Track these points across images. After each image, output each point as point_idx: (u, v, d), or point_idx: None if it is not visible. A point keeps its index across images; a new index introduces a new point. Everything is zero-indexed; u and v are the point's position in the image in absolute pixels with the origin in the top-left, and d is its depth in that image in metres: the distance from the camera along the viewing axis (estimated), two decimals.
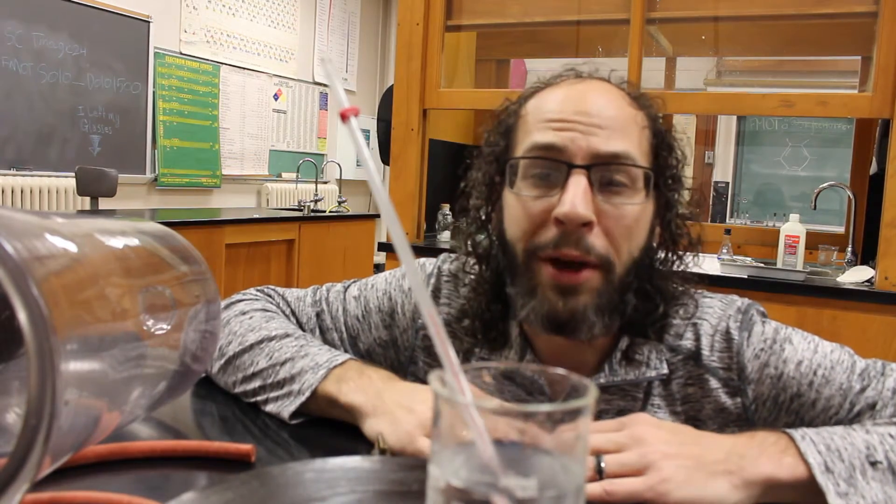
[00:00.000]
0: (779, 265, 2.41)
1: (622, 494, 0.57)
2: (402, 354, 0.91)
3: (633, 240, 0.72)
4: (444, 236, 2.91)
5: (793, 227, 2.43)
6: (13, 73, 4.05)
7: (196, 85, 5.24)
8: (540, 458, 0.35)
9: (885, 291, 2.10)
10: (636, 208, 0.72)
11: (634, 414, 0.65)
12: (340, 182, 6.01)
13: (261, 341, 0.82)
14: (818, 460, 0.59)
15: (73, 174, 3.77)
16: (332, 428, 0.74)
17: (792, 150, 6.39)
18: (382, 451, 0.65)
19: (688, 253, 0.79)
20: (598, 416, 0.78)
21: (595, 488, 0.57)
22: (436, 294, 0.90)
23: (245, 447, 0.64)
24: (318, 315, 0.94)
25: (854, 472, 0.59)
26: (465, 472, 0.35)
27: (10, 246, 0.37)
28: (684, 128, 6.44)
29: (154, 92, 4.89)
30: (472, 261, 0.84)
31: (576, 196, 0.69)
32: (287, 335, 0.83)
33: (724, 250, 2.66)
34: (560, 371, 0.40)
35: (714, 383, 0.76)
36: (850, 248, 2.62)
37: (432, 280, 0.91)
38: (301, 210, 4.90)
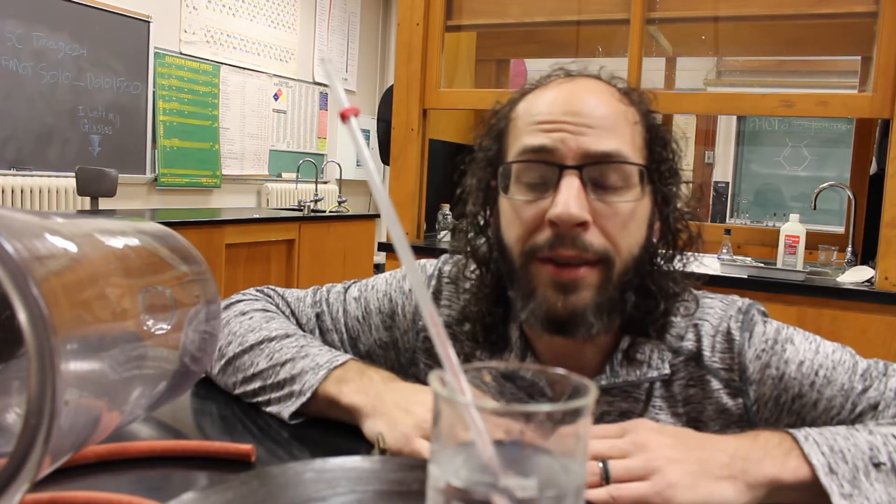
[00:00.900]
0: (779, 265, 2.41)
1: (628, 499, 0.57)
2: (403, 356, 0.91)
3: (631, 236, 0.72)
4: (444, 236, 2.91)
5: (793, 227, 2.43)
6: (13, 73, 4.05)
7: (196, 85, 5.24)
8: (540, 458, 0.35)
9: (885, 291, 2.10)
10: (631, 205, 0.72)
11: (635, 420, 0.65)
12: (340, 182, 6.01)
13: (261, 342, 0.82)
14: (822, 461, 0.59)
15: (73, 174, 3.77)
16: (332, 428, 0.74)
17: (792, 150, 6.39)
18: (382, 451, 0.65)
19: (688, 250, 0.79)
20: (601, 417, 0.78)
21: (601, 493, 0.57)
22: (436, 296, 0.90)
23: (245, 447, 0.64)
24: (317, 316, 0.94)
25: (858, 473, 0.59)
26: (465, 472, 0.35)
27: (10, 246, 0.37)
28: (684, 128, 6.44)
29: (154, 92, 4.89)
30: (471, 265, 0.84)
31: (569, 197, 0.68)
32: (287, 335, 0.83)
33: (724, 250, 2.66)
34: (560, 371, 0.40)
35: (715, 384, 0.76)
36: (850, 248, 2.62)
37: (433, 282, 0.91)
38: (301, 210, 4.90)
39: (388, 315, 0.92)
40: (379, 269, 5.23)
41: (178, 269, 0.60)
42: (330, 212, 4.99)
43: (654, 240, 0.77)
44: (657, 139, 0.77)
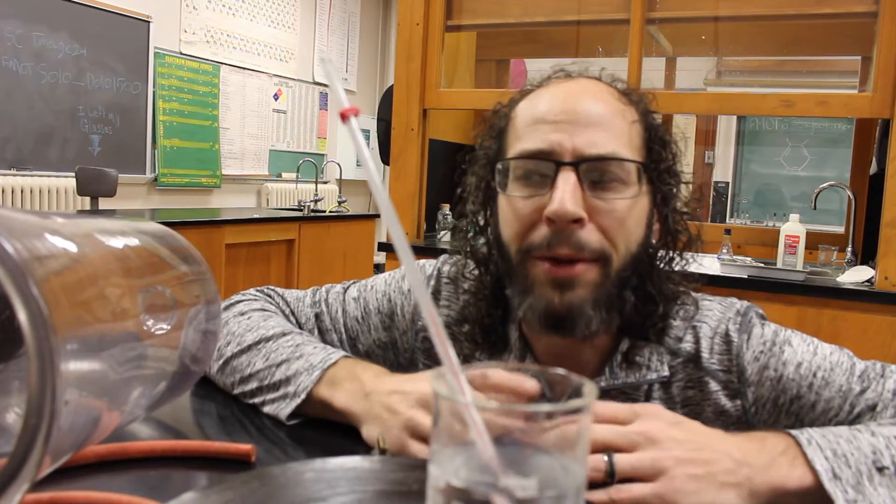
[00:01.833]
0: (779, 265, 2.41)
1: (628, 502, 0.57)
2: (402, 356, 0.91)
3: (628, 234, 0.72)
4: (444, 236, 2.91)
5: (793, 227, 2.43)
6: (13, 73, 4.05)
7: (196, 85, 5.24)
8: (540, 458, 0.35)
9: (885, 291, 2.10)
10: (628, 202, 0.72)
11: (647, 404, 0.64)
12: (340, 182, 6.01)
13: (258, 342, 0.82)
14: (825, 467, 0.58)
15: (73, 174, 3.77)
16: (331, 428, 0.74)
17: (792, 150, 6.39)
18: (382, 451, 0.65)
19: (687, 251, 0.79)
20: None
21: (601, 497, 0.57)
22: (436, 296, 0.90)
23: (245, 447, 0.64)
24: (317, 316, 0.94)
25: (861, 477, 0.58)
26: (465, 472, 0.35)
27: (10, 246, 0.37)
28: (685, 127, 6.44)
29: (154, 92, 4.89)
30: (470, 265, 0.84)
31: (565, 193, 0.68)
32: (284, 334, 0.83)
33: (724, 250, 2.66)
34: (560, 371, 0.40)
35: (714, 386, 0.76)
36: (850, 248, 2.62)
37: (432, 282, 0.91)
38: (301, 210, 4.90)
39: (388, 315, 0.92)
40: (379, 269, 5.23)
41: (178, 269, 0.60)
42: (330, 212, 4.99)
43: (654, 241, 0.77)
44: (656, 139, 0.77)
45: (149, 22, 4.81)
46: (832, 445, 0.60)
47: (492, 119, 0.82)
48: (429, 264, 0.94)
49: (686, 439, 0.60)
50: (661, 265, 0.78)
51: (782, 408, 0.74)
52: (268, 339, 0.82)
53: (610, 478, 0.57)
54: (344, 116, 0.39)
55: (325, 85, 6.50)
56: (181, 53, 5.11)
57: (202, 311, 0.61)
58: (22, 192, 4.12)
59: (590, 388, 0.37)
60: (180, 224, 3.41)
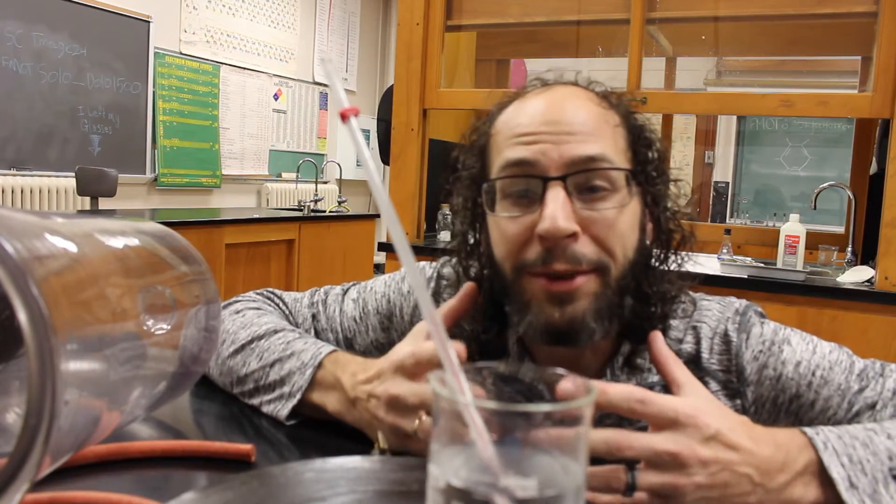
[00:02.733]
0: (779, 265, 2.41)
1: None
2: None
3: (624, 241, 0.71)
4: (444, 236, 2.91)
5: (793, 227, 2.43)
6: (13, 73, 4.05)
7: (196, 85, 5.24)
8: (540, 458, 0.35)
9: (885, 291, 2.10)
10: (619, 210, 0.71)
11: (700, 405, 0.58)
12: (340, 182, 6.01)
13: (251, 341, 0.82)
14: (842, 475, 0.57)
15: (73, 174, 3.77)
16: (331, 428, 0.74)
17: (792, 150, 6.39)
18: (382, 451, 0.65)
19: (682, 249, 0.79)
20: (600, 420, 0.78)
21: None
22: (436, 298, 0.90)
23: (245, 447, 0.64)
24: (314, 316, 0.95)
25: (878, 485, 0.57)
26: (465, 472, 0.35)
27: (10, 246, 0.37)
28: (685, 127, 6.45)
29: (154, 92, 4.89)
30: (463, 283, 0.83)
31: (555, 210, 0.67)
32: (275, 331, 0.83)
33: (724, 250, 2.66)
34: (560, 371, 0.40)
35: (714, 386, 0.76)
36: (850, 248, 2.62)
37: (432, 284, 0.91)
38: (301, 210, 4.90)
39: (386, 316, 0.92)
40: (379, 269, 5.24)
41: (178, 269, 0.60)
42: (330, 212, 4.99)
43: (648, 242, 0.77)
44: (641, 140, 0.76)
45: (149, 22, 4.81)
46: (848, 451, 0.59)
47: (471, 136, 0.80)
48: (429, 266, 0.93)
49: (713, 460, 0.56)
50: (657, 265, 0.78)
51: (781, 407, 0.74)
52: (260, 338, 0.82)
53: (629, 491, 0.56)
54: (344, 116, 0.39)
55: (325, 85, 6.50)
56: (181, 53, 5.11)
57: (202, 311, 0.61)
58: (22, 192, 4.12)
59: (590, 387, 0.37)
60: (180, 224, 3.41)
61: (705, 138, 6.57)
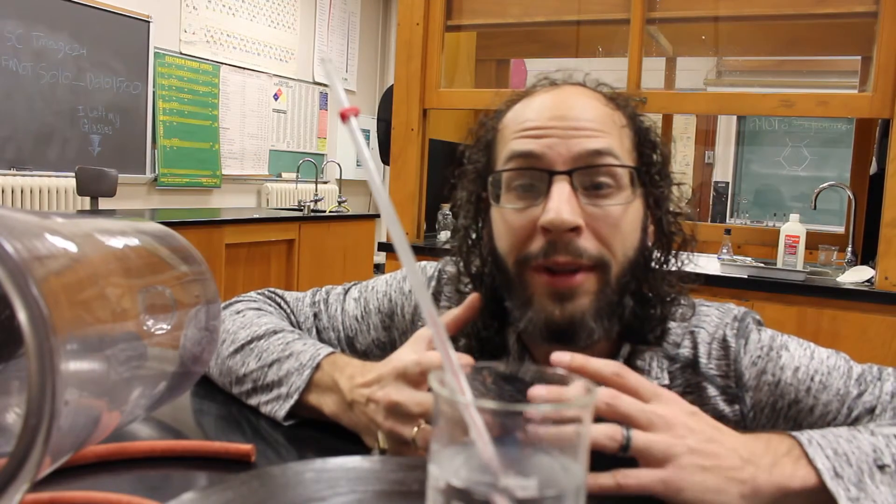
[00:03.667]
0: (779, 265, 2.41)
1: (635, 488, 0.57)
2: None
3: (625, 239, 0.72)
4: (444, 236, 2.91)
5: (793, 227, 2.43)
6: (13, 73, 4.05)
7: (196, 85, 5.24)
8: (540, 458, 0.35)
9: (885, 291, 2.10)
10: (623, 207, 0.71)
11: (670, 393, 0.63)
12: (340, 182, 6.01)
13: (250, 341, 0.82)
14: (827, 465, 0.59)
15: (73, 174, 3.77)
16: (331, 428, 0.74)
17: (792, 150, 6.39)
18: (382, 451, 0.65)
19: (683, 252, 0.79)
20: (599, 421, 0.78)
21: (607, 480, 0.57)
22: (437, 297, 0.90)
23: (245, 447, 0.64)
24: (315, 315, 0.95)
25: (863, 475, 0.58)
26: (465, 472, 0.35)
27: (10, 246, 0.37)
28: (685, 127, 6.45)
29: (154, 92, 4.89)
30: (465, 280, 0.84)
31: (560, 203, 0.68)
32: (274, 332, 0.83)
33: (724, 250, 2.66)
34: (560, 371, 0.40)
35: (712, 391, 0.76)
36: (850, 248, 2.62)
37: (433, 283, 0.91)
38: (301, 210, 4.90)
39: (388, 315, 0.92)
40: (379, 269, 5.24)
41: (178, 269, 0.60)
42: (330, 212, 4.99)
43: (649, 243, 0.77)
44: (646, 142, 0.77)
45: (149, 22, 4.81)
46: (832, 445, 0.60)
47: (478, 132, 0.81)
48: (430, 265, 0.93)
49: (699, 430, 0.60)
50: (657, 267, 0.78)
51: (780, 412, 0.74)
52: (259, 338, 0.82)
53: (622, 451, 0.57)
54: (344, 116, 0.39)
55: (325, 85, 6.50)
56: (181, 53, 5.11)
57: (202, 311, 0.61)
58: (22, 192, 4.12)
59: (590, 388, 0.37)
60: (180, 224, 3.41)
61: (705, 138, 6.57)
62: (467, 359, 0.57)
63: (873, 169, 2.60)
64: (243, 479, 0.51)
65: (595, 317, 0.71)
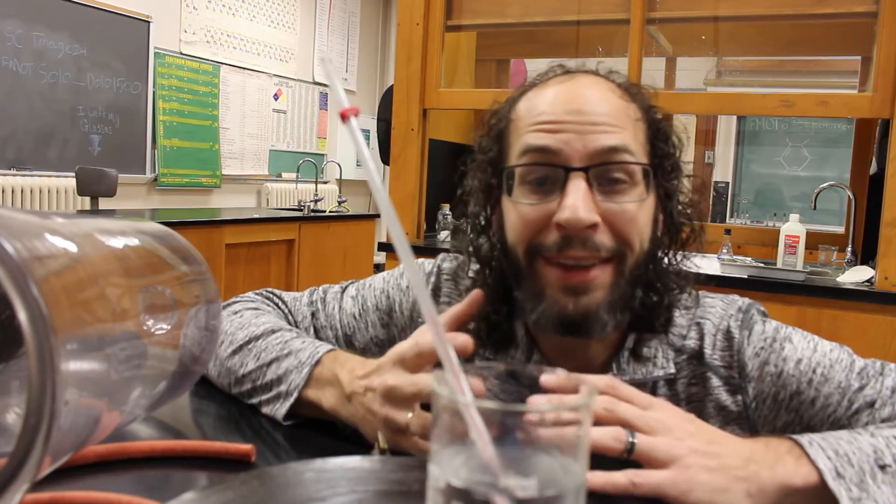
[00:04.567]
0: (779, 265, 2.41)
1: (647, 488, 0.57)
2: None
3: (641, 233, 0.72)
4: (445, 236, 2.91)
5: (793, 227, 2.43)
6: (13, 73, 4.05)
7: (196, 85, 5.24)
8: (540, 458, 0.35)
9: (885, 291, 2.10)
10: (638, 203, 0.71)
11: (663, 400, 0.64)
12: (340, 182, 6.01)
13: (248, 341, 0.82)
14: (828, 466, 0.59)
15: (73, 174, 3.77)
16: (330, 428, 0.74)
17: (792, 150, 6.39)
18: (382, 451, 0.65)
19: (691, 244, 0.79)
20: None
21: (621, 479, 0.57)
22: (436, 293, 0.90)
23: (245, 447, 0.64)
24: (313, 314, 0.95)
25: (864, 476, 0.59)
26: (465, 472, 0.35)
27: (10, 246, 0.37)
28: (684, 128, 6.44)
29: (154, 92, 4.89)
30: (473, 265, 0.84)
31: (576, 200, 0.68)
32: (273, 331, 0.83)
33: (724, 250, 2.66)
34: (560, 371, 0.40)
35: (715, 381, 0.77)
36: (850, 248, 2.62)
37: (432, 279, 0.91)
38: (301, 210, 4.90)
39: (386, 312, 0.92)
40: (379, 269, 5.23)
41: (178, 269, 0.60)
42: (330, 212, 4.99)
43: (659, 234, 0.77)
44: (659, 134, 0.76)
45: (149, 22, 4.81)
46: (833, 446, 0.61)
47: (490, 121, 0.81)
48: (428, 262, 0.93)
49: (698, 433, 0.60)
50: (666, 257, 0.78)
51: (782, 403, 0.75)
52: (257, 338, 0.82)
53: (627, 454, 0.58)
54: (344, 116, 0.39)
55: (325, 85, 6.50)
56: (181, 53, 5.11)
57: (202, 311, 0.61)
58: (22, 192, 4.12)
59: (590, 388, 0.37)
60: (180, 224, 3.41)
61: (705, 138, 6.57)
62: (466, 338, 0.57)
63: (873, 169, 2.60)
64: (243, 479, 0.51)
65: (608, 309, 0.71)
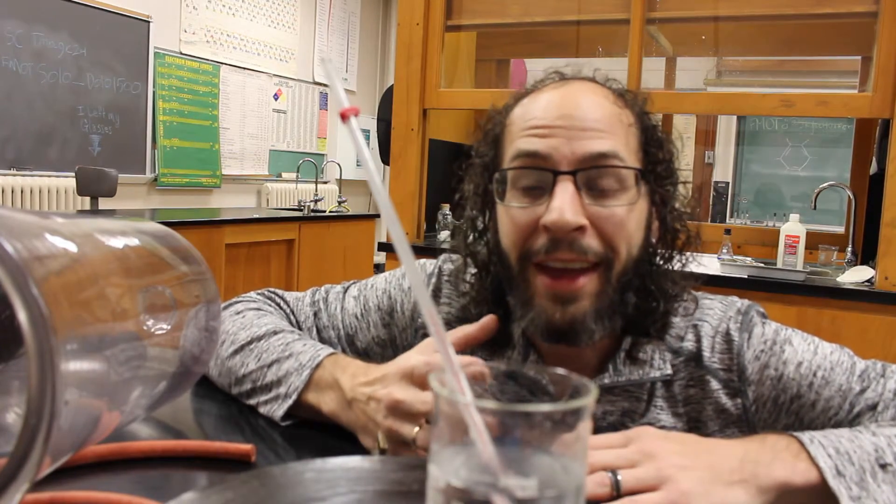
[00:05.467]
0: (779, 265, 2.41)
1: None
2: (401, 353, 0.91)
3: (628, 239, 0.72)
4: (444, 236, 2.91)
5: (793, 227, 2.43)
6: (13, 73, 4.05)
7: (196, 85, 5.24)
8: (540, 458, 0.35)
9: (885, 291, 2.10)
10: (627, 208, 0.71)
11: (638, 428, 0.63)
12: (340, 182, 6.01)
13: (250, 342, 0.82)
14: (829, 464, 0.59)
15: (73, 174, 3.77)
16: (330, 428, 0.74)
17: (792, 150, 6.39)
18: (382, 452, 0.65)
19: (686, 250, 0.79)
20: (602, 416, 0.78)
21: None
22: (436, 294, 0.90)
23: (245, 447, 0.64)
24: (315, 314, 0.95)
25: (865, 474, 0.58)
26: (465, 472, 0.35)
27: (10, 246, 0.37)
28: (685, 128, 6.44)
29: (154, 92, 4.89)
30: (470, 269, 0.84)
31: (563, 203, 0.68)
32: (275, 332, 0.83)
33: (724, 250, 2.66)
34: (560, 371, 0.40)
35: (715, 384, 0.76)
36: (850, 248, 2.62)
37: (433, 280, 0.91)
38: (301, 210, 4.90)
39: (387, 312, 0.92)
40: (379, 269, 5.23)
41: (178, 269, 0.60)
42: (330, 212, 4.99)
43: (653, 240, 0.77)
44: (652, 140, 0.77)
45: (149, 22, 4.81)
46: (835, 444, 0.60)
47: (486, 125, 0.81)
48: (429, 263, 0.94)
49: (682, 450, 0.60)
50: (661, 263, 0.78)
51: (782, 407, 0.74)
52: (259, 339, 0.82)
53: (616, 492, 0.57)
54: (344, 116, 0.39)
55: (325, 85, 6.50)
56: (181, 53, 5.11)
57: (202, 311, 0.61)
58: (22, 192, 4.12)
59: (590, 387, 0.37)
60: (180, 224, 3.41)
61: (705, 138, 6.57)
62: (469, 359, 0.57)
63: (873, 169, 2.60)
64: (243, 479, 0.51)
65: (595, 318, 0.71)
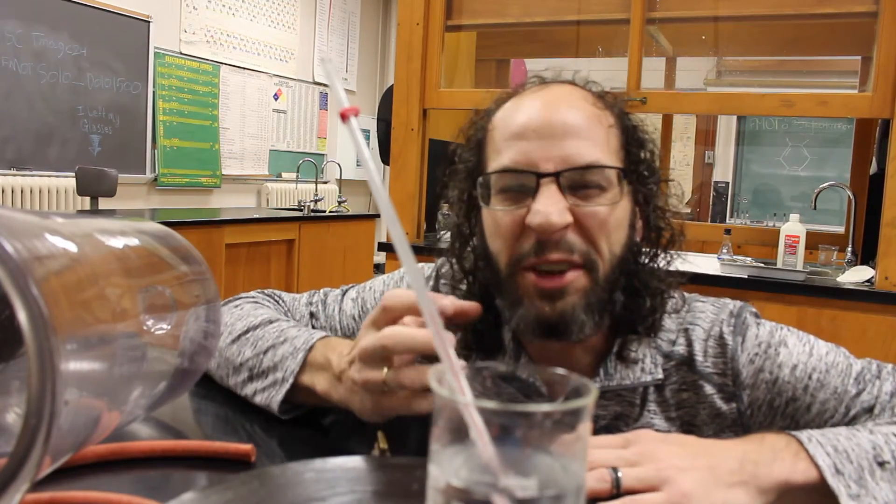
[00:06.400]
0: (779, 265, 2.41)
1: None
2: None
3: (610, 237, 0.72)
4: (444, 236, 2.91)
5: (793, 227, 2.43)
6: (13, 73, 4.05)
7: (196, 85, 5.24)
8: (540, 458, 0.35)
9: (885, 291, 2.10)
10: (609, 207, 0.72)
11: (637, 430, 0.63)
12: (340, 182, 6.01)
13: (246, 331, 0.83)
14: (828, 462, 0.59)
15: (73, 174, 3.77)
16: (331, 428, 0.74)
17: (792, 150, 6.39)
18: (382, 451, 0.65)
19: (671, 248, 0.79)
20: (594, 420, 0.78)
21: None
22: None
23: (245, 447, 0.64)
24: (312, 314, 0.95)
25: (863, 472, 0.59)
26: (465, 472, 0.35)
27: (10, 246, 0.37)
28: (685, 128, 6.45)
29: (154, 92, 4.89)
30: (458, 274, 0.84)
31: (547, 204, 0.69)
32: (270, 321, 0.83)
33: (724, 250, 2.66)
34: (560, 371, 0.40)
35: (709, 389, 0.76)
36: (850, 248, 2.62)
37: (430, 283, 0.91)
38: (301, 210, 4.90)
39: None
40: (379, 269, 5.23)
41: (178, 269, 0.60)
42: (330, 212, 4.99)
43: (638, 239, 0.77)
44: (633, 140, 0.77)
45: (149, 22, 4.81)
46: (832, 442, 0.61)
47: (468, 131, 0.82)
48: (427, 266, 0.94)
49: (682, 451, 0.60)
50: (647, 261, 0.78)
51: (777, 410, 0.74)
52: (255, 327, 0.83)
53: (616, 488, 0.57)
54: (344, 116, 0.39)
55: (325, 85, 6.50)
56: (181, 53, 5.11)
57: (202, 311, 0.61)
58: (22, 192, 4.12)
59: (590, 387, 0.37)
60: (180, 224, 3.41)
61: (705, 138, 6.57)
62: (439, 296, 0.57)
63: (873, 169, 2.60)
64: (243, 479, 0.51)
65: (586, 311, 0.71)
